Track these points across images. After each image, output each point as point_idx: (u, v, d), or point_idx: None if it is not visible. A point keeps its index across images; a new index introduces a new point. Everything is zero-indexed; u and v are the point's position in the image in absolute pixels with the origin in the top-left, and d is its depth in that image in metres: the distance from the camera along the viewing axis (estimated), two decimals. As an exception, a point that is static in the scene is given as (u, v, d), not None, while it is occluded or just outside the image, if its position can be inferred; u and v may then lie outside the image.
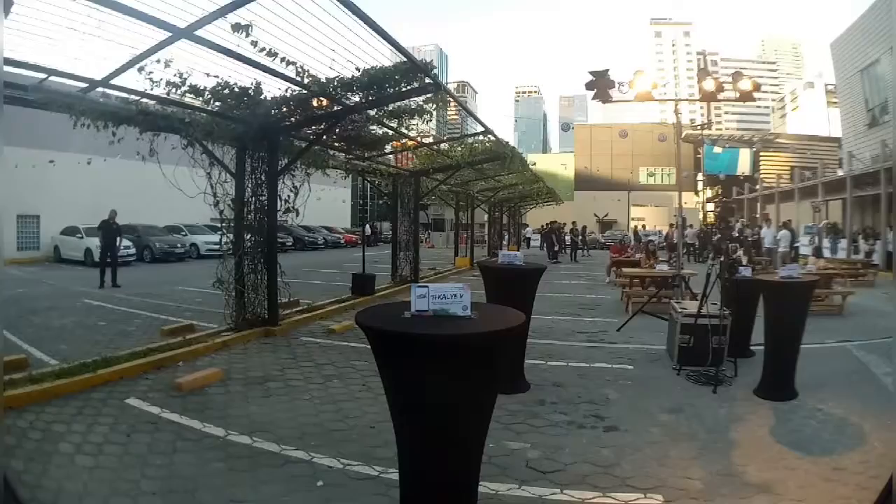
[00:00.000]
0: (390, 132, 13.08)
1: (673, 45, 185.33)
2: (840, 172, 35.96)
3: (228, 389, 6.88)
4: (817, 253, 21.40)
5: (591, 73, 11.35)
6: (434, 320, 3.13)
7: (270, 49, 7.64)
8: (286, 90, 9.50)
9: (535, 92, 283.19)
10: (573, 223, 36.06)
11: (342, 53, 8.13)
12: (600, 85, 11.28)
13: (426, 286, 3.25)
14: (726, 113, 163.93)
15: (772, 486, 4.54)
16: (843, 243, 28.30)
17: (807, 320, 7.14)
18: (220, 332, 9.51)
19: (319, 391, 6.82)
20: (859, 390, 7.35)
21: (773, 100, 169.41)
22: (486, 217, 34.38)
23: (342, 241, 43.07)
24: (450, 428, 3.00)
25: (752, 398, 6.86)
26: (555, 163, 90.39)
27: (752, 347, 8.79)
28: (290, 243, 34.54)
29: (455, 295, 3.20)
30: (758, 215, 44.82)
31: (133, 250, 23.78)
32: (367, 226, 49.92)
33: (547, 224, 35.32)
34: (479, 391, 3.08)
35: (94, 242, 17.31)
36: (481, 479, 4.28)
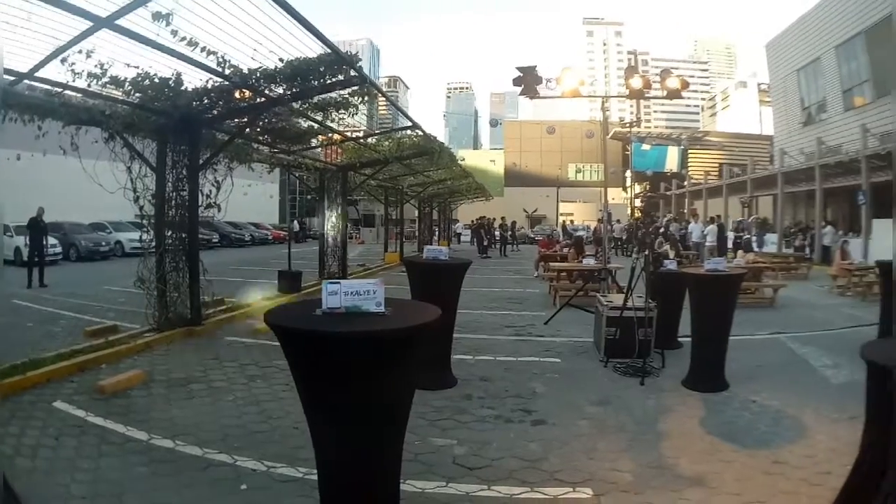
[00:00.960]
0: (315, 125, 12.81)
1: (604, 45, 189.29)
2: (771, 169, 36.90)
3: (151, 392, 6.65)
4: (747, 247, 21.93)
5: (518, 68, 11.36)
6: (345, 318, 3.03)
7: (191, 38, 7.38)
8: (207, 81, 9.20)
9: (467, 88, 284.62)
10: (502, 218, 36.26)
11: (265, 44, 7.92)
12: (528, 81, 11.31)
13: (338, 282, 3.15)
14: (656, 111, 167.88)
15: (706, 478, 4.53)
16: (775, 238, 29.17)
17: (735, 312, 7.24)
18: (142, 332, 9.16)
19: (243, 392, 6.63)
20: (795, 382, 7.47)
21: (704, 99, 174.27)
22: (416, 212, 34.30)
23: (270, 238, 42.31)
24: (363, 427, 2.89)
25: (681, 389, 6.92)
26: (485, 159, 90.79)
27: (679, 339, 8.93)
28: (217, 240, 33.84)
29: (368, 291, 3.11)
30: (686, 211, 45.84)
31: (59, 249, 22.84)
32: (296, 221, 49.57)
33: (476, 219, 35.51)
34: (393, 389, 2.99)
35: (23, 241, 16.66)
36: (408, 478, 4.18)
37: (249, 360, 8.07)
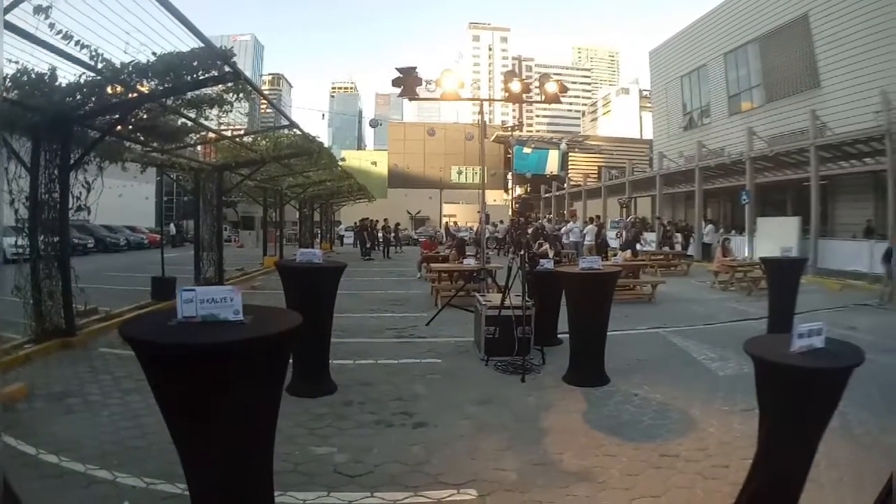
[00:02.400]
0: (189, 123, 12.38)
1: (490, 49, 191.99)
2: (649, 171, 38.37)
3: (34, 405, 6.30)
4: (626, 246, 22.68)
5: (398, 69, 11.35)
6: (199, 327, 2.93)
7: (66, 31, 7.08)
8: (81, 76, 8.73)
9: (352, 88, 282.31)
10: (384, 220, 36.16)
11: (137, 37, 7.66)
12: (407, 82, 11.30)
13: (193, 290, 3.03)
14: (538, 116, 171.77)
15: (593, 473, 4.61)
16: (653, 236, 30.35)
17: (614, 308, 7.48)
18: (22, 344, 8.61)
19: (119, 406, 6.31)
20: (678, 375, 7.76)
21: (586, 104, 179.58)
22: (297, 214, 33.76)
23: (146, 242, 40.01)
24: (224, 440, 2.80)
25: (562, 385, 7.07)
26: (368, 160, 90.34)
27: (559, 336, 9.15)
28: (92, 245, 32.01)
29: (225, 298, 3.00)
30: (565, 212, 46.98)
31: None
32: (172, 224, 47.73)
33: (359, 221, 35.33)
34: (253, 400, 2.90)
35: None
36: (288, 489, 4.12)
37: (124, 372, 7.64)
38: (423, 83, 11.39)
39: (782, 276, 10.03)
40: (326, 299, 6.69)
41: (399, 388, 6.89)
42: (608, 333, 7.63)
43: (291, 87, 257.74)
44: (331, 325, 6.90)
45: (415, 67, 11.42)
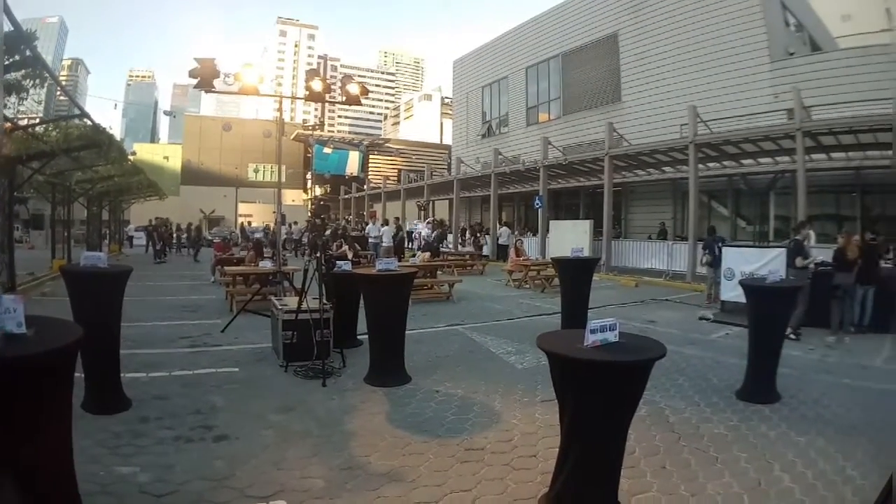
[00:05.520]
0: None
1: (296, 46, 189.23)
2: (448, 176, 39.37)
3: None
4: (427, 247, 23.03)
5: (196, 59, 10.86)
6: None
7: None
8: None
9: (149, 77, 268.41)
10: (168, 220, 34.50)
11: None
12: (205, 73, 10.82)
13: None
14: (341, 117, 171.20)
15: (402, 473, 4.61)
16: (450, 238, 31.16)
17: (413, 308, 7.50)
18: None
19: None
20: (478, 369, 7.97)
21: (389, 108, 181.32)
22: (85, 213, 31.52)
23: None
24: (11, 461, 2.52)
25: (364, 387, 7.04)
26: (161, 154, 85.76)
27: (358, 337, 9.15)
28: None
29: (8, 309, 2.70)
30: (365, 213, 47.12)
31: None
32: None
33: (154, 220, 33.61)
34: (29, 420, 2.62)
35: None
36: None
37: None
38: (222, 76, 10.96)
39: (574, 274, 10.51)
40: (114, 307, 6.20)
41: (196, 400, 6.48)
42: (408, 332, 7.72)
43: (89, 73, 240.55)
44: (119, 336, 6.39)
45: (214, 59, 10.97)
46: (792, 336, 9.82)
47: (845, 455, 5.08)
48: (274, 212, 15.95)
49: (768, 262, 11.39)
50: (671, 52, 25.93)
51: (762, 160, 21.08)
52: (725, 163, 22.34)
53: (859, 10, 20.31)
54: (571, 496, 3.79)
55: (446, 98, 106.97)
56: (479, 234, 29.87)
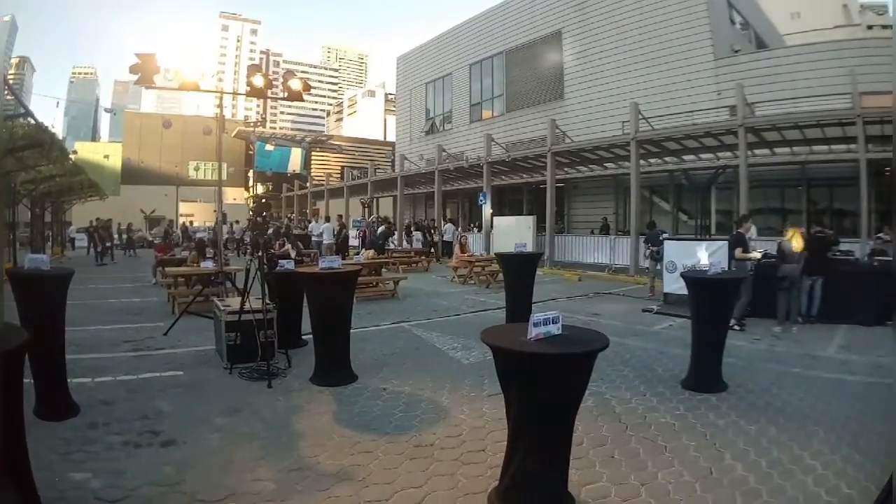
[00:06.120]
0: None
1: (238, 41, 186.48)
2: (391, 173, 39.22)
3: None
4: (371, 245, 22.98)
5: (137, 55, 10.69)
6: None
7: None
8: None
9: (91, 73, 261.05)
10: (110, 220, 33.74)
11: None
12: (145, 69, 10.66)
13: None
14: (283, 113, 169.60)
15: (352, 472, 4.60)
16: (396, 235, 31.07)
17: (357, 306, 7.47)
18: None
19: None
20: (424, 366, 7.99)
21: (332, 104, 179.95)
22: (29, 215, 30.62)
23: None
24: None
25: (310, 387, 7.01)
26: (102, 153, 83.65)
27: (303, 337, 9.07)
28: None
29: None
30: (308, 211, 46.77)
31: None
32: None
33: (95, 221, 32.79)
34: None
35: None
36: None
37: None
38: (163, 71, 10.80)
39: (518, 269, 10.60)
40: (58, 311, 6.08)
41: (142, 405, 6.37)
42: (353, 331, 7.75)
43: (34, 70, 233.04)
44: (63, 340, 6.26)
45: (154, 54, 10.82)
46: (736, 327, 10.05)
47: (801, 444, 5.17)
48: (215, 210, 15.67)
49: (711, 255, 11.65)
50: (615, 50, 26.37)
51: (704, 156, 21.56)
52: (667, 158, 22.83)
53: (809, 7, 20.87)
54: (521, 488, 3.84)
55: (390, 94, 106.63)
56: (433, 231, 29.78)
